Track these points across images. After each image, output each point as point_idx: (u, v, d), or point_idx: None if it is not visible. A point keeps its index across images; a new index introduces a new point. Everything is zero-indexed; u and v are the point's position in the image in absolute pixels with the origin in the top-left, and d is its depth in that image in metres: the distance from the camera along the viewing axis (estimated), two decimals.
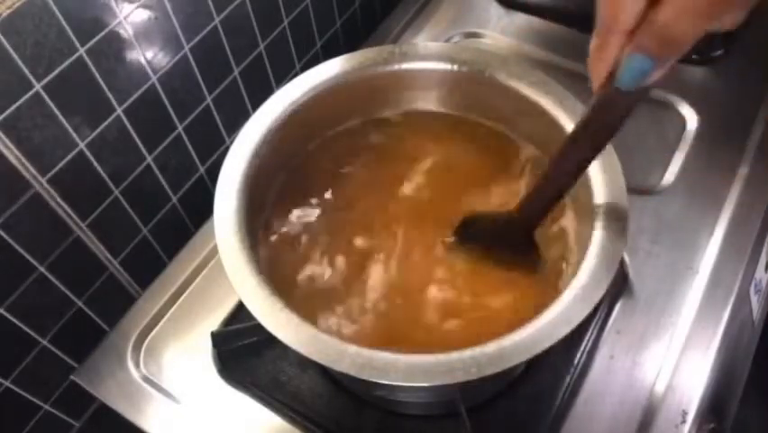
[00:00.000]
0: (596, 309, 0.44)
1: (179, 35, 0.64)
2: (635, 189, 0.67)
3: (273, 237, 0.55)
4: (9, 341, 0.59)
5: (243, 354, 0.61)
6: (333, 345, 0.44)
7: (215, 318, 0.64)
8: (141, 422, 0.59)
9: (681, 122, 0.75)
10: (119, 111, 0.61)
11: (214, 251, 0.66)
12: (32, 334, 0.61)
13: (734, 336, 0.62)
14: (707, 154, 0.71)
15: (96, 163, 0.61)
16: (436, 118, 0.62)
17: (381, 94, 0.61)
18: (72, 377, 0.61)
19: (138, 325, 0.64)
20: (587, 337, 0.60)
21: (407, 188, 0.58)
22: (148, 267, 0.69)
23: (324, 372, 0.60)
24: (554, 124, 0.55)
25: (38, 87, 0.53)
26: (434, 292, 0.52)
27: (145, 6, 0.59)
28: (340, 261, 0.54)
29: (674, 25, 0.31)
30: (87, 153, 0.60)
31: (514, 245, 0.51)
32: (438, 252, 0.54)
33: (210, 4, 0.66)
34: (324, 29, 0.85)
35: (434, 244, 0.55)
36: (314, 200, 0.58)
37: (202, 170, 0.74)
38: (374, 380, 0.42)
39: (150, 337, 0.64)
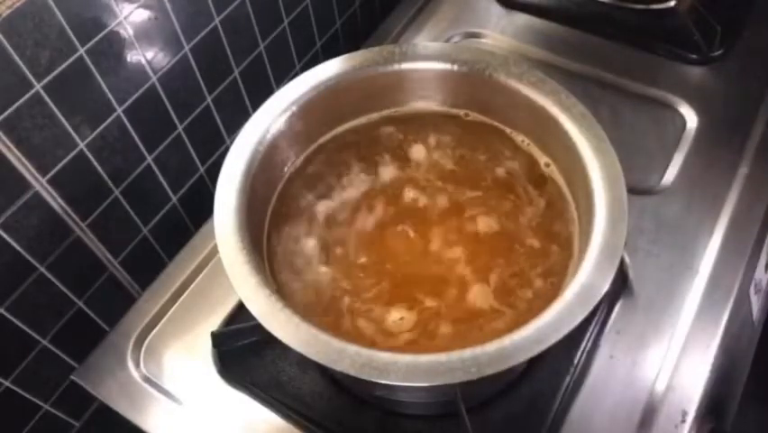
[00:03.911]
0: (596, 309, 0.44)
1: (179, 35, 0.64)
2: (635, 189, 0.67)
3: (274, 237, 0.55)
4: (9, 341, 0.59)
5: (243, 354, 0.61)
6: (333, 345, 0.44)
7: (215, 318, 0.64)
8: (141, 422, 0.59)
9: (681, 122, 0.75)
10: (119, 111, 0.61)
11: (214, 251, 0.66)
12: (32, 334, 0.61)
13: (734, 336, 0.62)
14: (707, 154, 0.71)
15: (96, 163, 0.61)
16: (436, 118, 0.62)
17: (381, 94, 0.61)
18: (72, 377, 0.61)
19: (138, 325, 0.64)
20: (587, 337, 0.60)
21: (408, 187, 0.58)
22: (148, 267, 0.69)
23: (324, 371, 0.60)
24: (554, 124, 0.55)
25: (38, 87, 0.53)
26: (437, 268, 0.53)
27: (145, 6, 0.59)
28: (342, 254, 0.54)
29: None
30: (87, 153, 0.60)
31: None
32: (441, 245, 0.54)
33: (210, 4, 0.66)
34: (324, 29, 0.85)
35: (435, 239, 0.55)
36: (315, 199, 0.58)
37: (202, 170, 0.74)
38: (374, 380, 0.42)
39: (150, 337, 0.64)
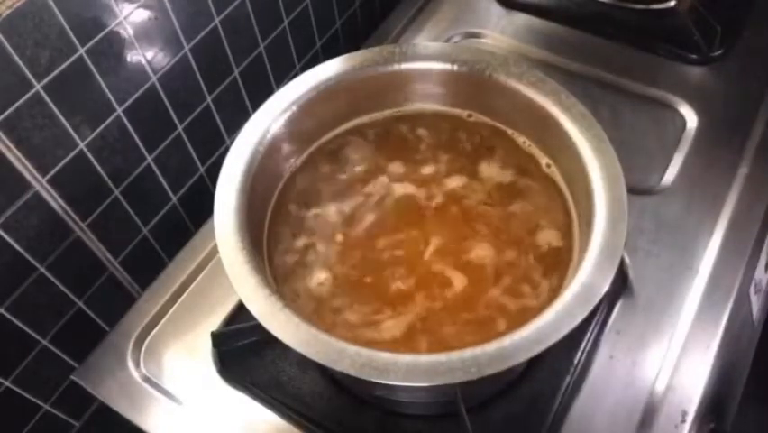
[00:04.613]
0: (596, 309, 0.44)
1: (179, 35, 0.64)
2: (635, 189, 0.67)
3: (274, 237, 0.55)
4: (9, 341, 0.59)
5: (243, 354, 0.61)
6: (333, 345, 0.44)
7: (215, 318, 0.64)
8: (141, 422, 0.59)
9: (681, 122, 0.75)
10: (119, 111, 0.61)
11: (215, 251, 0.66)
12: (32, 334, 0.61)
13: (734, 336, 0.62)
14: (707, 154, 0.71)
15: (96, 163, 0.61)
16: (439, 119, 0.62)
17: (381, 94, 0.61)
18: (72, 377, 0.61)
19: (138, 325, 0.64)
20: (587, 337, 0.60)
21: (409, 189, 0.58)
22: (148, 267, 0.69)
23: (324, 371, 0.60)
24: (554, 124, 0.55)
25: (38, 87, 0.53)
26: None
27: (145, 6, 0.59)
28: (342, 255, 0.54)
29: None
30: (87, 153, 0.60)
31: None
32: (441, 246, 0.54)
33: (210, 4, 0.66)
34: (324, 29, 0.85)
35: (435, 238, 0.55)
36: (315, 199, 0.58)
37: (202, 170, 0.74)
38: (374, 380, 0.42)
39: (150, 337, 0.64)
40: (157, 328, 0.64)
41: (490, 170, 0.59)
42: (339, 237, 0.55)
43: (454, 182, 0.58)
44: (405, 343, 0.50)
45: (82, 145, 0.59)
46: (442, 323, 0.50)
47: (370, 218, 0.56)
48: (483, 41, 0.85)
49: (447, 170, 0.59)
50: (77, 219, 0.61)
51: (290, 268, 0.54)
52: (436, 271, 0.53)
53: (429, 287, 0.52)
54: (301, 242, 0.55)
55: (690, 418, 0.56)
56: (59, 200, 0.59)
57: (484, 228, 0.55)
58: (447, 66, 0.59)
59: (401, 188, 0.58)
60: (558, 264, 0.52)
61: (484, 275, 0.53)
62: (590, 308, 0.44)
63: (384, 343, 0.49)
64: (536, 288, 0.51)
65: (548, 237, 0.54)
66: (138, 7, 0.58)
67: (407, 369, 0.42)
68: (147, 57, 0.61)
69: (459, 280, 0.52)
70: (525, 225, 0.55)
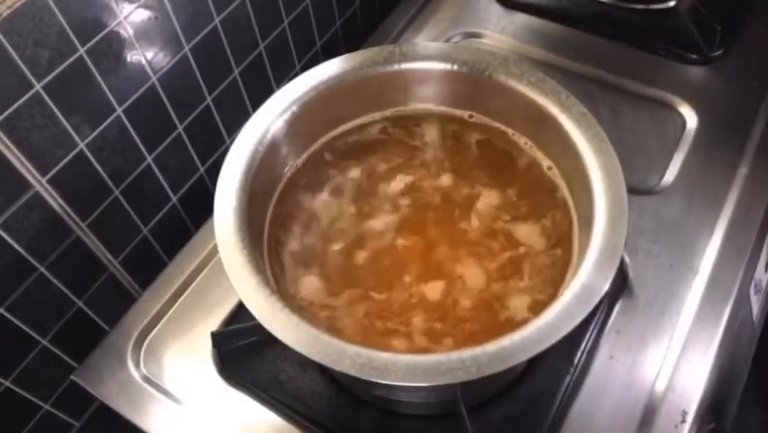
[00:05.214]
0: (596, 309, 0.44)
1: (179, 35, 0.64)
2: (635, 189, 0.67)
3: (274, 237, 0.55)
4: (9, 341, 0.59)
5: (243, 354, 0.61)
6: (333, 345, 0.44)
7: (215, 318, 0.64)
8: (141, 422, 0.59)
9: (681, 122, 0.75)
10: (119, 111, 0.61)
11: (214, 251, 0.66)
12: (32, 334, 0.61)
13: (734, 336, 0.62)
14: (707, 154, 0.71)
15: (96, 163, 0.61)
16: (440, 119, 0.62)
17: (381, 94, 0.61)
18: (72, 377, 0.61)
19: (138, 325, 0.64)
20: (587, 337, 0.60)
21: (408, 187, 0.58)
22: (148, 267, 0.69)
23: (323, 371, 0.60)
24: (554, 124, 0.55)
25: (38, 87, 0.53)
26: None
27: (145, 6, 0.59)
28: (342, 253, 0.54)
29: None
30: (87, 153, 0.60)
31: None
32: (438, 247, 0.54)
33: (210, 4, 0.66)
34: (324, 29, 0.85)
35: (434, 238, 0.55)
36: (315, 199, 0.58)
37: (202, 170, 0.74)
38: (374, 380, 0.42)
39: (150, 337, 0.64)
40: (157, 328, 0.64)
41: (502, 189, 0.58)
42: (340, 238, 0.55)
43: (455, 187, 0.58)
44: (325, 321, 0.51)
45: (82, 145, 0.59)
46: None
47: (371, 218, 0.56)
48: (483, 41, 0.85)
49: (447, 173, 0.59)
50: (77, 219, 0.61)
51: (291, 267, 0.54)
52: (404, 279, 0.53)
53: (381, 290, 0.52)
54: (302, 241, 0.55)
55: (690, 418, 0.56)
56: (59, 200, 0.59)
57: (469, 252, 0.54)
58: (447, 66, 0.59)
59: (399, 189, 0.58)
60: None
61: (427, 306, 0.51)
62: (590, 308, 0.44)
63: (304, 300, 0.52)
64: (457, 346, 0.49)
65: (521, 305, 0.51)
66: (138, 7, 0.58)
67: (407, 369, 0.42)
68: (147, 57, 0.61)
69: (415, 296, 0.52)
70: (505, 277, 0.52)
